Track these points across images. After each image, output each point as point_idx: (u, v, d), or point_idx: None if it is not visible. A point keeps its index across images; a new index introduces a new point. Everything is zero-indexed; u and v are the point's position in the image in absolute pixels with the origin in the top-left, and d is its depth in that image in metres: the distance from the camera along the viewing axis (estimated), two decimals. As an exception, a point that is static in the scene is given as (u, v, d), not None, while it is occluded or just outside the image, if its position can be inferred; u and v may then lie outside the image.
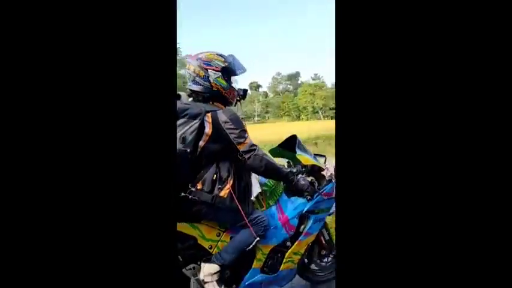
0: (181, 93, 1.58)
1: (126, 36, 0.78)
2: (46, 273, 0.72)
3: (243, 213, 1.46)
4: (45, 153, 0.73)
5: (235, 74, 1.61)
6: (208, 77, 1.51)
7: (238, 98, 1.66)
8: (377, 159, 0.78)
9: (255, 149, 1.48)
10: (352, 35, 0.79)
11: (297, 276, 1.85)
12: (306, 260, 1.92)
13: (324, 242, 1.93)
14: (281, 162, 1.84)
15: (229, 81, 1.58)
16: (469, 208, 0.72)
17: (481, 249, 0.72)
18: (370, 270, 0.79)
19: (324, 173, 1.81)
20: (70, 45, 0.74)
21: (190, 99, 1.58)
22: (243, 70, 1.64)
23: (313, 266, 1.96)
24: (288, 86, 36.36)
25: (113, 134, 0.77)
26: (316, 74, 39.65)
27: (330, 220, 1.92)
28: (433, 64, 0.74)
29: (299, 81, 38.35)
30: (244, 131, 1.49)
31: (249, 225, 1.49)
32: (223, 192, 1.45)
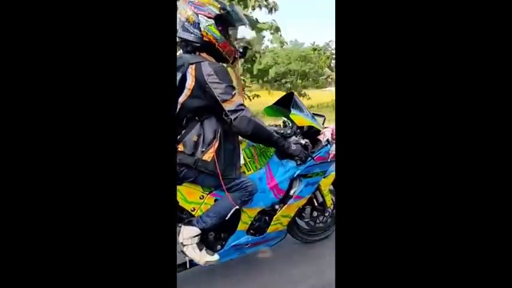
0: None
1: (126, 34, 0.76)
2: (45, 258, 0.71)
3: (222, 182, 1.38)
4: (46, 141, 0.71)
5: (232, 26, 1.40)
6: (198, 23, 1.32)
7: (236, 56, 1.45)
8: (375, 149, 0.76)
9: (243, 109, 1.33)
10: (353, 34, 0.77)
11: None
12: (297, 220, 1.89)
13: (316, 204, 1.88)
14: (277, 121, 1.71)
15: (224, 33, 1.38)
16: (468, 192, 0.72)
17: (480, 238, 0.71)
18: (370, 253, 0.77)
19: (321, 136, 1.68)
20: (67, 43, 0.72)
21: (180, 51, 1.40)
22: (243, 22, 1.42)
23: (304, 226, 1.94)
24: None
25: (113, 133, 0.75)
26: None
27: (323, 182, 1.83)
28: (433, 63, 0.73)
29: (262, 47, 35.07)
30: (231, 87, 1.32)
31: (227, 194, 1.41)
32: (207, 156, 1.35)
